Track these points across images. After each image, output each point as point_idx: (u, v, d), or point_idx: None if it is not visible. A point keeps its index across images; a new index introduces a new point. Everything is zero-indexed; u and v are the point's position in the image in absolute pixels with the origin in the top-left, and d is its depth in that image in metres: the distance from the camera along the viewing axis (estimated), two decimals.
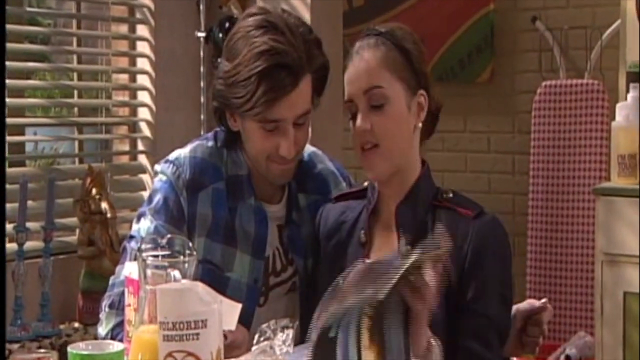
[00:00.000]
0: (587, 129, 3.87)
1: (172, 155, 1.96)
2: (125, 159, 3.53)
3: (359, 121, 1.79)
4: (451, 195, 1.83)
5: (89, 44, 3.55)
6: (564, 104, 3.93)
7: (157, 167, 1.98)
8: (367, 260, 1.47)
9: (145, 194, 3.38)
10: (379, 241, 1.84)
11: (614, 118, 3.31)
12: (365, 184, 1.94)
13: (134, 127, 3.50)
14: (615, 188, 3.25)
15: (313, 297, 1.89)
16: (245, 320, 1.65)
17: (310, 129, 1.95)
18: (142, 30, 3.48)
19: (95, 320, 2.77)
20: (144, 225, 1.91)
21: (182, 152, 1.96)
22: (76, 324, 3.04)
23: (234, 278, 1.91)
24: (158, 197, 1.93)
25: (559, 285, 3.86)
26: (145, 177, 3.45)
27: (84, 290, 3.07)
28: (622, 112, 3.26)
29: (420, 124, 1.83)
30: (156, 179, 1.97)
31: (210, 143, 1.97)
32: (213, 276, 1.82)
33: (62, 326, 2.96)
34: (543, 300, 1.92)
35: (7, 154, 2.94)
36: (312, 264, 1.95)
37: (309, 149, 2.06)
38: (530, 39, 4.22)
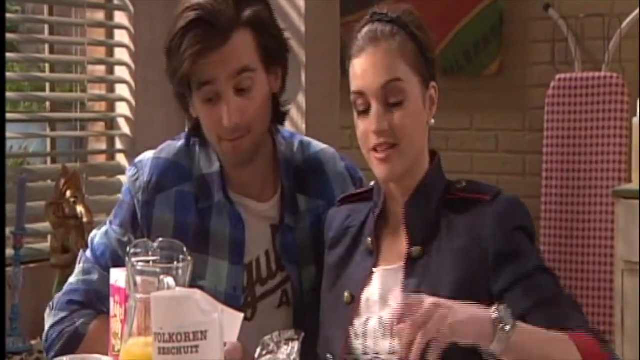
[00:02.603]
0: (605, 126, 3.88)
1: (138, 158, 2.03)
2: (102, 158, 3.51)
3: (374, 122, 1.75)
4: (464, 184, 1.81)
5: (62, 32, 3.54)
6: (580, 99, 3.95)
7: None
8: None
9: None
10: (387, 248, 1.83)
11: (634, 114, 3.33)
12: (372, 183, 1.93)
13: (111, 124, 3.49)
14: (637, 190, 3.26)
15: (315, 309, 1.89)
16: None
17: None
18: (120, 17, 3.46)
19: None
20: (99, 232, 2.01)
21: (147, 154, 2.02)
22: None
23: (208, 287, 1.89)
24: (119, 202, 2.02)
25: (575, 296, 3.86)
26: (123, 178, 3.43)
27: None
28: None
29: (432, 120, 1.82)
30: None
31: (180, 142, 2.01)
32: None
33: (33, 342, 2.94)
34: None
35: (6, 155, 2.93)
36: (315, 274, 1.94)
37: (318, 145, 2.06)
38: (543, 28, 4.24)
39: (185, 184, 1.96)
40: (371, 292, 1.80)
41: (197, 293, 1.35)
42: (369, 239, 1.84)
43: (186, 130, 2.05)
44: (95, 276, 1.94)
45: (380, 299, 1.78)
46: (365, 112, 1.77)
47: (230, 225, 1.94)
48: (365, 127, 1.77)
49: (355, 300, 1.80)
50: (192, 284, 1.86)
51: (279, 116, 1.99)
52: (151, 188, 1.95)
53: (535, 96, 4.24)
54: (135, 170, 1.99)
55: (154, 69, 3.49)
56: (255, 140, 1.91)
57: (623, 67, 3.92)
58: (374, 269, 1.82)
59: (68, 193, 3.08)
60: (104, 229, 2.00)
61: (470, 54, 4.39)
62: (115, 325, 1.63)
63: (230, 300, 1.89)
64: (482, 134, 4.45)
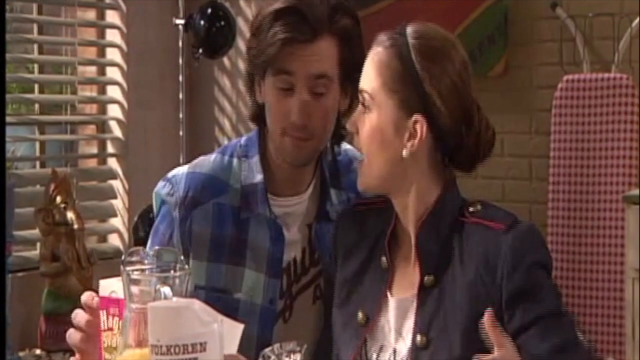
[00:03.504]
0: (614, 128, 3.88)
1: (170, 173, 2.04)
2: (93, 162, 3.52)
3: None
4: (479, 207, 1.77)
5: (52, 32, 3.54)
6: (588, 100, 3.94)
7: (155, 188, 2.05)
8: None
9: (116, 202, 3.38)
10: (400, 273, 1.81)
11: None
12: None
13: (102, 127, 3.50)
14: None
15: (329, 325, 1.89)
16: (264, 346, 1.64)
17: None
18: (112, 16, 3.47)
19: (60, 347, 2.75)
20: None
21: (181, 169, 2.04)
22: (38, 351, 3.02)
23: (244, 299, 1.95)
24: (156, 221, 2.03)
25: (583, 306, 3.86)
26: (115, 183, 3.44)
27: (46, 313, 3.05)
28: None
29: (404, 152, 1.75)
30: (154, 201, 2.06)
31: (214, 156, 2.04)
32: (219, 303, 1.82)
33: (21, 353, 2.95)
34: None
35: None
36: (329, 284, 1.95)
37: (345, 145, 2.10)
38: (550, 28, 4.23)
39: (222, 196, 1.99)
40: (386, 319, 1.79)
41: (195, 303, 1.34)
42: (384, 258, 1.82)
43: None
44: None
45: (395, 330, 1.78)
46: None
47: (269, 238, 1.97)
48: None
49: (369, 323, 1.79)
50: (228, 297, 1.93)
51: (336, 135, 2.03)
52: (188, 203, 1.98)
53: (542, 98, 4.24)
54: (170, 186, 2.00)
55: (147, 69, 3.51)
56: (316, 148, 1.97)
57: (633, 68, 3.92)
58: (389, 294, 1.80)
59: (58, 198, 3.08)
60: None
61: (474, 54, 4.38)
62: (109, 339, 1.61)
63: (266, 314, 1.97)
64: None
